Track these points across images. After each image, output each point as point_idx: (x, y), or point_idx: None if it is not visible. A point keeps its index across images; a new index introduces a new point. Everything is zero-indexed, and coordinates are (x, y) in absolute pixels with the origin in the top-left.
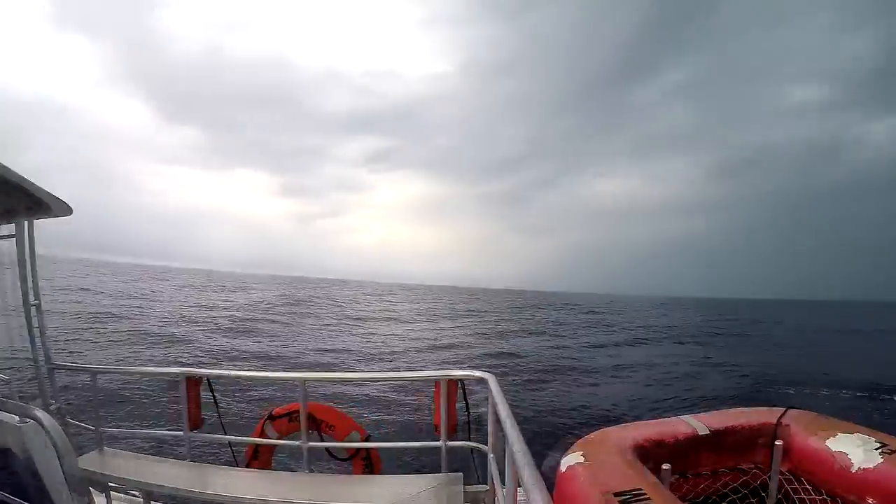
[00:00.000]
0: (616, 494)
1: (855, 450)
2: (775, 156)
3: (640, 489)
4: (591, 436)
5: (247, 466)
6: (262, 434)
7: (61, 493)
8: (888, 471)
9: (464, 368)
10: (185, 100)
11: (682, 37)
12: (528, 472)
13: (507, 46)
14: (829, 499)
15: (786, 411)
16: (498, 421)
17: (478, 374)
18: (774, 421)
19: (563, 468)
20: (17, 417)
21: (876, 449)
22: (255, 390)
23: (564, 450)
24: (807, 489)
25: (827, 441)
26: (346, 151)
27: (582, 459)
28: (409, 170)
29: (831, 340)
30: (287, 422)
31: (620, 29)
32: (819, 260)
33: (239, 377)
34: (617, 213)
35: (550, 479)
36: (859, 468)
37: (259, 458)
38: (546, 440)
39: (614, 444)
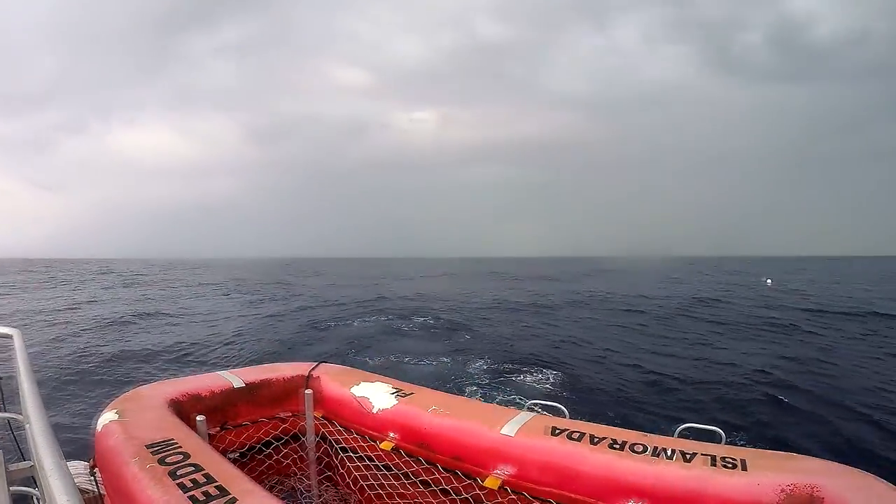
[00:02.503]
0: (149, 446)
1: (376, 395)
2: (315, 127)
3: (172, 439)
4: (128, 393)
5: None
6: None
7: None
8: (403, 410)
9: None
10: None
11: None
12: (43, 442)
13: None
14: (358, 437)
15: (317, 364)
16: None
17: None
18: (306, 373)
19: (99, 428)
20: None
21: (392, 393)
22: None
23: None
24: (339, 430)
25: (352, 388)
26: None
27: (117, 417)
28: None
29: (368, 284)
30: None
31: None
32: (349, 224)
33: None
34: (154, 168)
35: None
36: (380, 409)
37: None
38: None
39: (149, 400)
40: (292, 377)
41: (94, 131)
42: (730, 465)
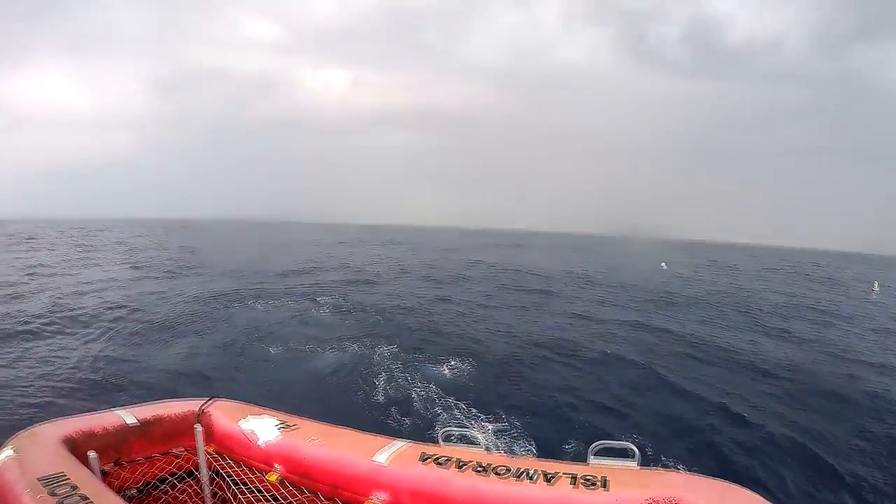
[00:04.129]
0: (41, 479)
1: (261, 428)
2: (220, 82)
3: (63, 472)
4: (25, 431)
5: None
6: None
7: None
8: (284, 441)
9: None
10: None
11: None
12: None
13: None
14: (248, 470)
15: (209, 400)
16: None
17: None
18: (197, 409)
19: None
20: None
21: (276, 426)
22: None
23: None
24: (230, 464)
25: (240, 423)
26: None
27: (14, 453)
28: None
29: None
30: None
31: None
32: (250, 184)
33: None
34: (43, 119)
35: None
36: (265, 442)
37: None
38: None
39: (45, 437)
40: (184, 413)
41: None
42: (590, 484)
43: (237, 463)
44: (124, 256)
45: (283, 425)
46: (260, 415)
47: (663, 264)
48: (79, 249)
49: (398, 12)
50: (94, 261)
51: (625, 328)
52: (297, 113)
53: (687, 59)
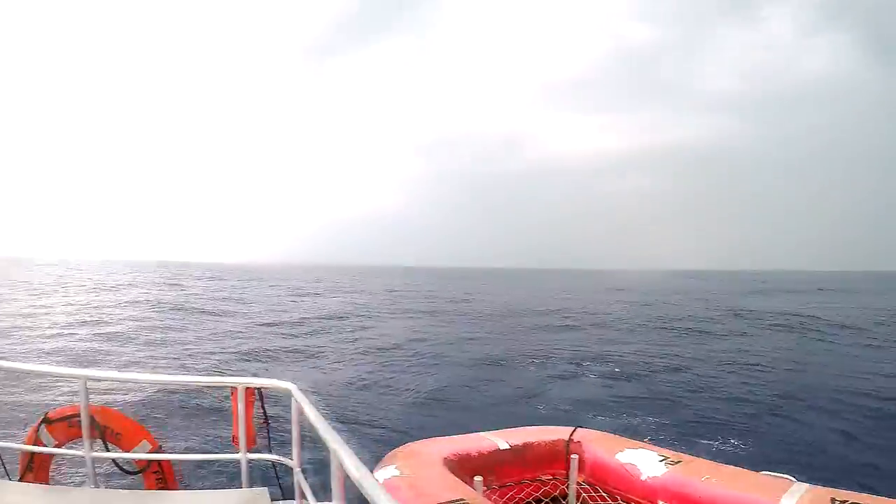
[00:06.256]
0: None
1: (642, 462)
2: (471, 140)
3: (463, 499)
4: (400, 449)
5: (20, 479)
6: (37, 441)
7: None
8: (673, 478)
9: (264, 377)
10: None
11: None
12: (368, 484)
13: None
14: (623, 503)
15: (575, 430)
16: (302, 433)
17: (281, 384)
18: (566, 437)
19: (380, 481)
20: None
21: (660, 461)
22: (20, 386)
23: (375, 463)
24: (602, 496)
25: (617, 455)
26: None
27: (398, 472)
28: None
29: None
30: (66, 426)
31: None
32: (504, 234)
33: None
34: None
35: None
36: (648, 477)
37: (34, 470)
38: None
39: (424, 457)
40: (553, 441)
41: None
42: None
43: (612, 496)
44: (401, 303)
45: (668, 460)
46: (637, 447)
47: None
48: (361, 295)
49: (625, 53)
50: (377, 306)
51: None
52: (548, 163)
53: None
